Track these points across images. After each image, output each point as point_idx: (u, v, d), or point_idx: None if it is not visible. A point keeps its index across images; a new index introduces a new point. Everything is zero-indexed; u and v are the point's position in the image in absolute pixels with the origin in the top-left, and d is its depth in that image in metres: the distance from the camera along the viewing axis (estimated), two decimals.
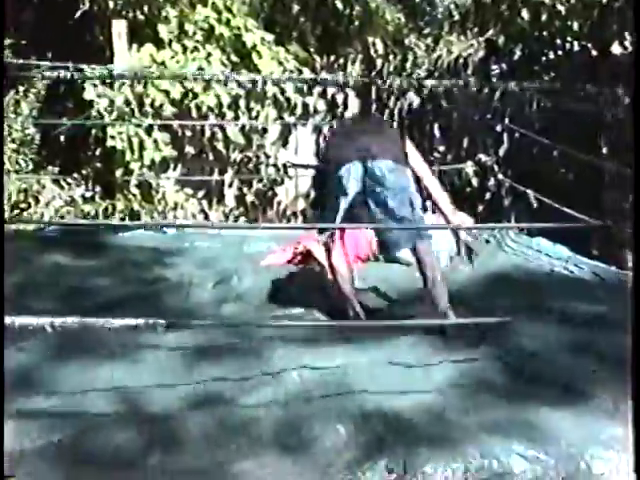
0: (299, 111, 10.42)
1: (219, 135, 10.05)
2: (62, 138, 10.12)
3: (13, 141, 9.62)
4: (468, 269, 6.49)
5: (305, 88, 10.43)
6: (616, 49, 11.92)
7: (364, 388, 4.30)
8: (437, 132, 11.41)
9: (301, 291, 6.10)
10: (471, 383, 4.37)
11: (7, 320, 3.37)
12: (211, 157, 10.21)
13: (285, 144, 10.60)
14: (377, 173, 5.33)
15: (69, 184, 9.67)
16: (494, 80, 11.49)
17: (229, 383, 4.39)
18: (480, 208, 10.20)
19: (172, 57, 9.74)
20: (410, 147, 5.65)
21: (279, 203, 10.70)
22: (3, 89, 9.27)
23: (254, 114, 10.08)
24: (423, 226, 5.57)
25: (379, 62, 11.23)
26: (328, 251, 5.68)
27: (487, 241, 7.39)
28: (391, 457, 3.65)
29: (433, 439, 3.80)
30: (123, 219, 9.35)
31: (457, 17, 12.37)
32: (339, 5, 10.98)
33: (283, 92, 10.11)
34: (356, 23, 11.37)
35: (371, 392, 4.24)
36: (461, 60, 11.62)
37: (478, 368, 4.56)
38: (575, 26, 10.95)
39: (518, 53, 11.85)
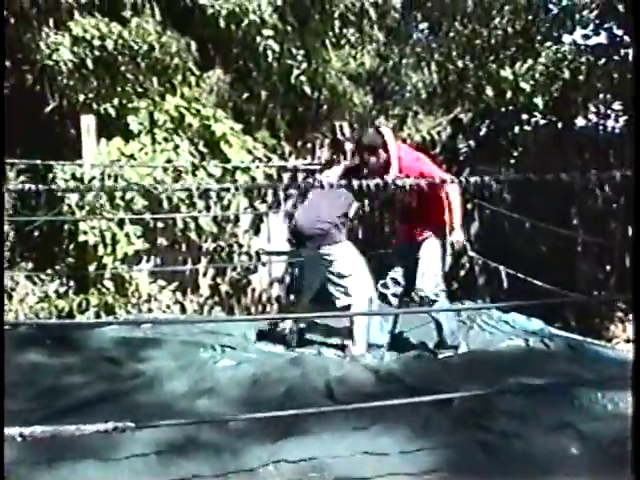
0: (270, 199, 10.55)
1: (191, 225, 10.09)
2: (36, 234, 10.10)
3: None
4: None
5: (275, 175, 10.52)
6: (580, 122, 12.13)
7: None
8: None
9: None
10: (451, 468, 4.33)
11: None
12: (184, 247, 10.27)
13: (257, 232, 10.67)
14: None
15: (42, 280, 9.62)
16: (461, 158, 11.65)
17: None
18: (455, 286, 10.23)
19: (141, 149, 9.79)
20: None
21: (253, 290, 10.71)
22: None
23: (225, 203, 10.13)
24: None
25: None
26: None
27: (463, 322, 7.37)
28: None
29: None
30: (98, 313, 9.29)
31: (424, 96, 12.57)
32: (307, 90, 11.10)
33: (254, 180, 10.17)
34: (324, 107, 11.50)
35: None
36: (429, 139, 11.76)
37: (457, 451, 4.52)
38: (540, 102, 11.13)
39: (484, 129, 12.03)
